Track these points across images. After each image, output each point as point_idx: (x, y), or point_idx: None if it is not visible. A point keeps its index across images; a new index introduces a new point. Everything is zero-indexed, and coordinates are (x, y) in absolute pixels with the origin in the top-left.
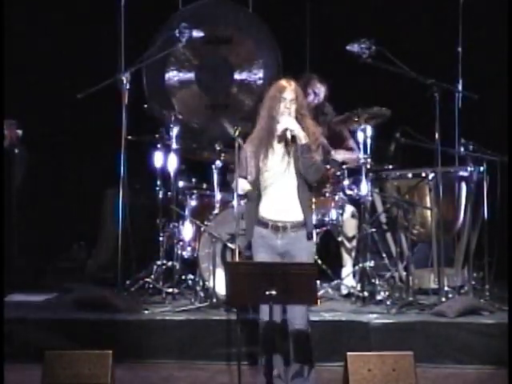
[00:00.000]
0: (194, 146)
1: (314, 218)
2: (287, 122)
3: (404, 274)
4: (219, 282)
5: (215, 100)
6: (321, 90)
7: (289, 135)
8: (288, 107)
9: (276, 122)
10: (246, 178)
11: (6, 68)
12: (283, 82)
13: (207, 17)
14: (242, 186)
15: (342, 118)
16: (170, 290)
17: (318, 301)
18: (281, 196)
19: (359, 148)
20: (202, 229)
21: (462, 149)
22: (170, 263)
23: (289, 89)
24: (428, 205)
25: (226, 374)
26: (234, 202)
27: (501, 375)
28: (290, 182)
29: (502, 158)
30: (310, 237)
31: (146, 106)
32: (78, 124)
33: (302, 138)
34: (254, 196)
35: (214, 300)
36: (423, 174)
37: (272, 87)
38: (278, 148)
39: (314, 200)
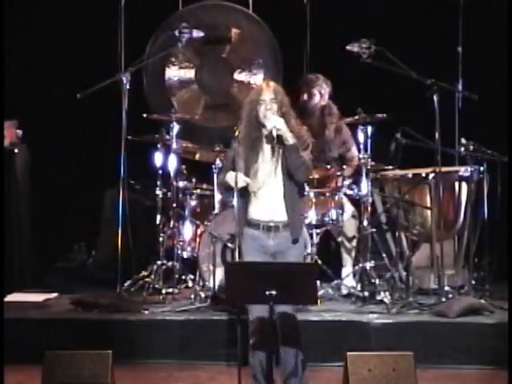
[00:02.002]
0: (194, 146)
1: (314, 218)
2: (276, 120)
3: (404, 273)
4: (219, 282)
5: (215, 100)
6: (326, 90)
7: (275, 133)
8: (269, 108)
9: (258, 127)
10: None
11: (6, 68)
12: (261, 84)
13: (207, 17)
14: (240, 177)
15: (350, 121)
16: (170, 289)
17: (318, 301)
18: (270, 197)
19: (359, 148)
20: (202, 229)
21: (462, 149)
22: (170, 263)
23: (266, 90)
24: (428, 205)
25: (226, 374)
26: (234, 202)
27: (501, 375)
28: (278, 183)
29: (502, 158)
30: (295, 242)
31: (145, 115)
32: (78, 124)
33: (289, 139)
34: (243, 199)
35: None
36: (423, 174)
37: (252, 92)
38: (266, 152)
39: (313, 200)
